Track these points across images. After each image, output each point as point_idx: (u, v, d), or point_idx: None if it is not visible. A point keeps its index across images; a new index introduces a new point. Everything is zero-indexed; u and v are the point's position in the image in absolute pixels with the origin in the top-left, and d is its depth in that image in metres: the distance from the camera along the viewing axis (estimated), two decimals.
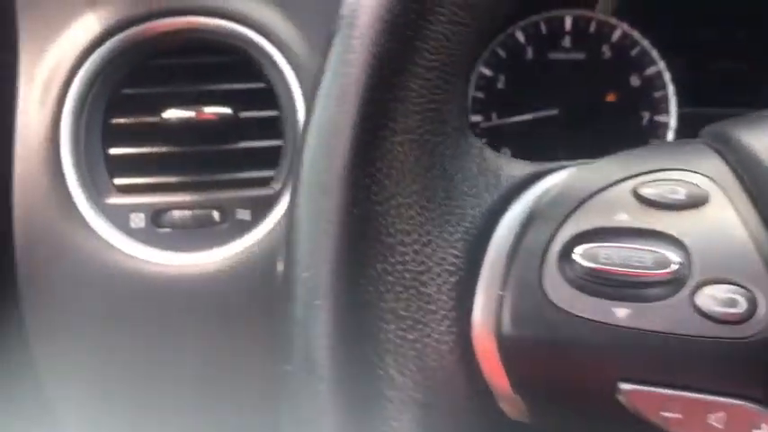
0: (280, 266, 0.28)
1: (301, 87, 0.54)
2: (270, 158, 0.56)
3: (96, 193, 0.54)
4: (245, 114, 0.55)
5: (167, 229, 0.55)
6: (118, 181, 0.56)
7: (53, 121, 0.54)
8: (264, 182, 0.55)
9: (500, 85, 0.64)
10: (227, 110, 0.55)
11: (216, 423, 0.57)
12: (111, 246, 0.54)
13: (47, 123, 0.54)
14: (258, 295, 0.55)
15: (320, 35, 0.54)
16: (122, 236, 0.54)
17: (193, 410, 0.56)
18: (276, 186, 0.55)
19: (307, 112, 0.28)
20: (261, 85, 0.56)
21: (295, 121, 0.54)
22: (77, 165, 0.54)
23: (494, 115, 0.64)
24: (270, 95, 0.56)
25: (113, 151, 0.55)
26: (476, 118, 0.64)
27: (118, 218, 0.55)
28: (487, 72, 0.63)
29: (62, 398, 0.57)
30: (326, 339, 0.25)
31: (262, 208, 0.55)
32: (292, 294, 0.26)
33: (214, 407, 0.56)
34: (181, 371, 0.55)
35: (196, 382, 0.56)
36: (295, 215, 0.27)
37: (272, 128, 0.56)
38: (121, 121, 0.56)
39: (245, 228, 0.55)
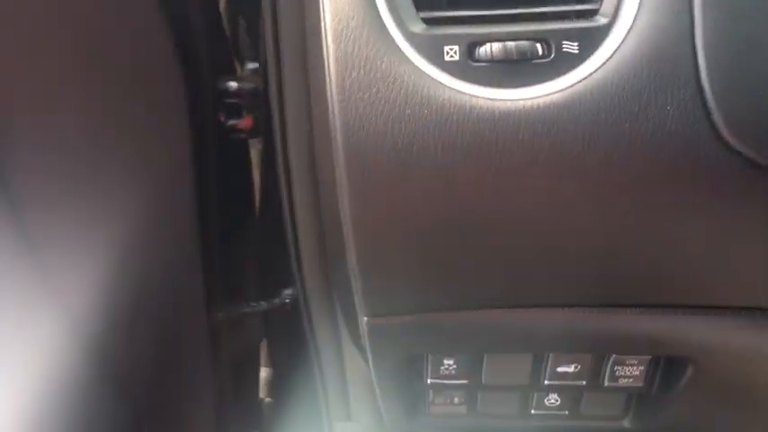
0: None
1: None
2: None
3: (405, 24, 0.48)
4: None
5: (484, 64, 0.48)
6: (424, 14, 0.49)
7: None
8: (588, 14, 0.49)
9: None
10: None
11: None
12: (429, 76, 0.48)
13: None
14: (589, 136, 0.48)
15: None
16: (437, 68, 0.48)
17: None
18: (603, 20, 0.49)
19: None
20: None
21: None
22: None
23: None
24: None
25: None
26: None
27: (431, 49, 0.48)
28: None
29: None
30: None
31: (590, 41, 0.48)
32: None
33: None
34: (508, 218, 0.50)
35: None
36: None
37: None
38: None
39: (572, 62, 0.48)
